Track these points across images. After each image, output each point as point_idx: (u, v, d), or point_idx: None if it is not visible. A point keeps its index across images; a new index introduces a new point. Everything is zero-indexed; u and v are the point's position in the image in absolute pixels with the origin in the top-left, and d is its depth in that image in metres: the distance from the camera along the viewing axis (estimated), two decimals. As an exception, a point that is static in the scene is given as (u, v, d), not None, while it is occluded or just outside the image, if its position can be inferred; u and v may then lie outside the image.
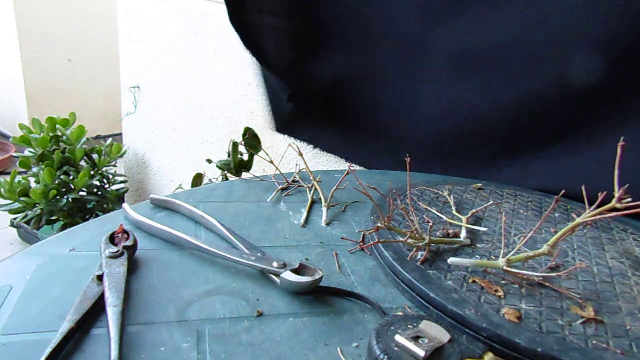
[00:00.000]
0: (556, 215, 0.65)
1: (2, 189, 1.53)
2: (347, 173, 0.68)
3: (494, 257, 0.50)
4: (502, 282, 0.45)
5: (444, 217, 0.59)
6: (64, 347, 0.34)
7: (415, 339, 0.32)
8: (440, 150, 0.93)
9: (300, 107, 1.20)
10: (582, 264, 0.50)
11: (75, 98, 2.96)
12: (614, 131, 0.69)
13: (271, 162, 0.76)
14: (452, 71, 0.88)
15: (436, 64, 0.90)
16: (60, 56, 2.91)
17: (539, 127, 0.79)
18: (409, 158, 0.54)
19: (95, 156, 1.79)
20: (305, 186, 0.69)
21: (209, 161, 1.24)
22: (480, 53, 0.83)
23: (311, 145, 1.23)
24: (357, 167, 1.10)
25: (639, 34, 0.66)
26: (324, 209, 0.62)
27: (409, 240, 0.49)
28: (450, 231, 0.55)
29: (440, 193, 0.67)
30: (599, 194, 0.43)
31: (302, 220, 0.59)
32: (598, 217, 0.42)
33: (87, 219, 1.24)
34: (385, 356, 0.31)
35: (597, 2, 0.69)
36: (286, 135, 1.30)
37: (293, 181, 0.71)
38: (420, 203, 0.63)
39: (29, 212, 1.60)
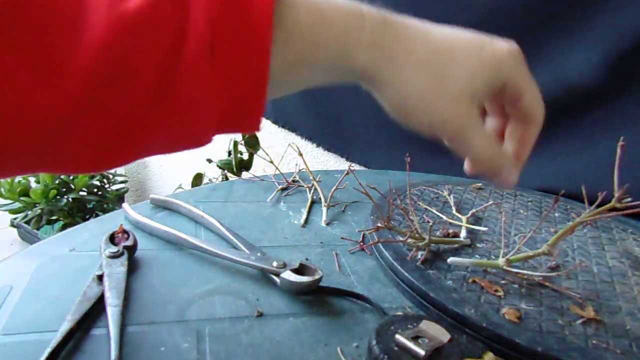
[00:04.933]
0: (556, 215, 0.65)
1: (2, 189, 1.53)
2: (347, 173, 0.68)
3: (494, 257, 0.50)
4: (502, 282, 0.45)
5: (444, 217, 0.59)
6: (64, 347, 0.34)
7: (415, 339, 0.32)
8: (440, 150, 0.93)
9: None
10: (582, 264, 0.51)
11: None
12: (614, 131, 0.69)
13: (271, 162, 0.76)
14: None
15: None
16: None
17: None
18: (409, 158, 0.54)
19: (95, 156, 1.78)
20: (305, 186, 0.69)
21: (209, 161, 1.24)
22: None
23: (314, 144, 1.23)
24: (357, 167, 1.10)
25: (639, 34, 0.66)
26: (324, 209, 0.62)
27: (409, 240, 0.49)
28: (450, 231, 0.55)
29: (440, 193, 0.67)
30: (599, 194, 0.43)
31: (302, 220, 0.59)
32: (598, 217, 0.42)
33: (87, 219, 1.24)
34: (385, 356, 0.31)
35: (597, 2, 0.69)
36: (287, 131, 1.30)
37: (293, 181, 0.71)
38: (420, 203, 0.63)
39: (29, 212, 1.60)
